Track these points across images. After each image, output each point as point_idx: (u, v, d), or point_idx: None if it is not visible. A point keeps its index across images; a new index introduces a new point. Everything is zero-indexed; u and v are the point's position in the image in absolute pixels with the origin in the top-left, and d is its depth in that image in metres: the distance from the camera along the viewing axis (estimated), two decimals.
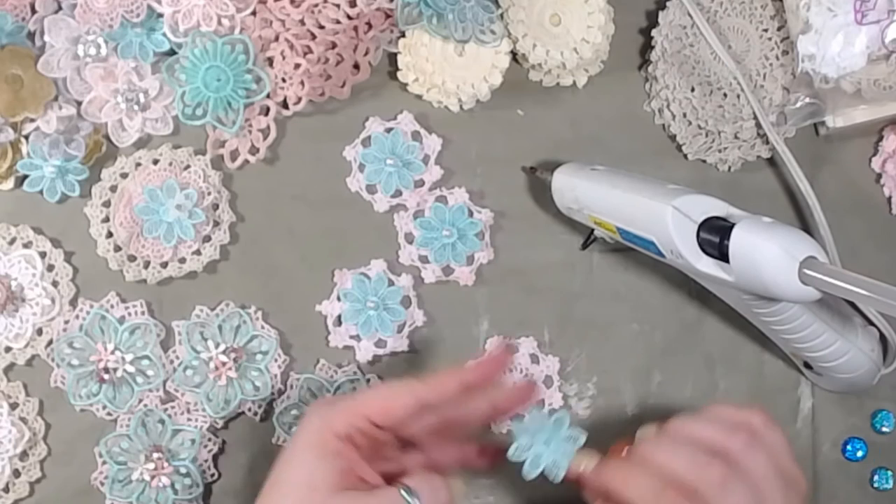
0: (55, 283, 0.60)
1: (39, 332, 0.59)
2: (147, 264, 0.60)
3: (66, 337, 0.59)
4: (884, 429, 0.62)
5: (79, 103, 0.59)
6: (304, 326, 0.61)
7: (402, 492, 0.45)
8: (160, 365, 0.59)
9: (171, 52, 0.59)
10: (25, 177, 0.59)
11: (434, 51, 0.59)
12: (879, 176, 0.62)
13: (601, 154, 0.61)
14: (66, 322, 0.59)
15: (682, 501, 0.43)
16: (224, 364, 0.59)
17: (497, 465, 0.51)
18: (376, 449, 0.48)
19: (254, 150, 0.60)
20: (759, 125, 0.60)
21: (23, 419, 0.59)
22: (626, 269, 0.62)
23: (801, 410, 0.62)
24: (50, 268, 0.60)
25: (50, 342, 0.59)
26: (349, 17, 0.59)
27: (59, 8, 0.58)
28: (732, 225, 0.47)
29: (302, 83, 0.59)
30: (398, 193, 0.61)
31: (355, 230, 0.61)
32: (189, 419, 0.60)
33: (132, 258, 0.60)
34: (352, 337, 0.60)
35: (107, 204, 0.60)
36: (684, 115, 0.61)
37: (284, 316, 0.61)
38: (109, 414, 0.59)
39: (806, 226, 0.61)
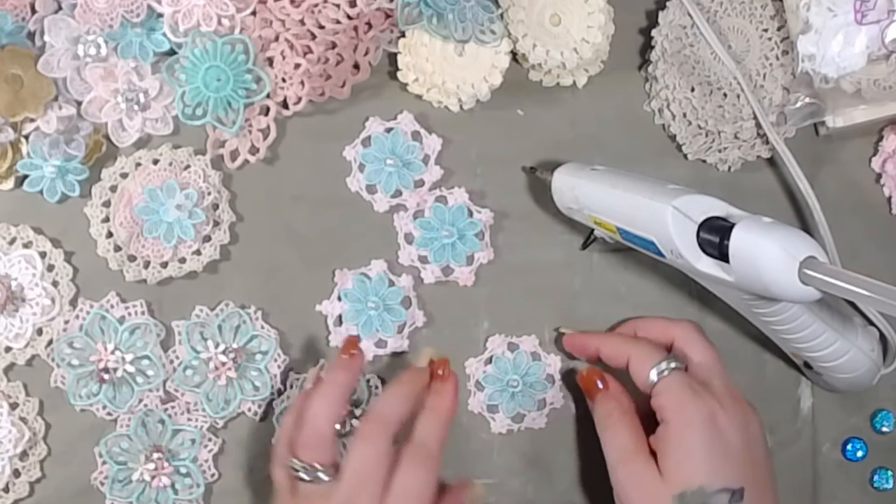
0: (55, 283, 0.60)
1: (39, 332, 0.59)
2: (147, 264, 0.60)
3: (66, 337, 0.59)
4: (884, 429, 0.62)
5: (79, 103, 0.59)
6: (304, 326, 0.61)
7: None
8: (160, 365, 0.59)
9: (171, 52, 0.59)
10: (25, 177, 0.59)
11: (434, 51, 0.59)
12: (879, 176, 0.62)
13: (601, 154, 0.61)
14: (66, 322, 0.59)
15: None
16: (224, 364, 0.59)
17: None
18: None
19: (254, 150, 0.60)
20: (759, 125, 0.60)
21: (23, 419, 0.59)
22: (626, 269, 0.62)
23: (801, 410, 0.62)
24: (50, 268, 0.60)
25: (50, 342, 0.59)
26: (349, 17, 0.59)
27: (59, 8, 0.58)
28: (732, 225, 0.47)
29: (302, 83, 0.59)
30: (398, 193, 0.61)
31: (355, 230, 0.61)
32: (189, 419, 0.60)
33: (132, 258, 0.60)
34: None
35: (107, 204, 0.60)
36: (684, 115, 0.61)
37: (284, 316, 0.60)
38: (109, 414, 0.59)
39: (806, 226, 0.61)
